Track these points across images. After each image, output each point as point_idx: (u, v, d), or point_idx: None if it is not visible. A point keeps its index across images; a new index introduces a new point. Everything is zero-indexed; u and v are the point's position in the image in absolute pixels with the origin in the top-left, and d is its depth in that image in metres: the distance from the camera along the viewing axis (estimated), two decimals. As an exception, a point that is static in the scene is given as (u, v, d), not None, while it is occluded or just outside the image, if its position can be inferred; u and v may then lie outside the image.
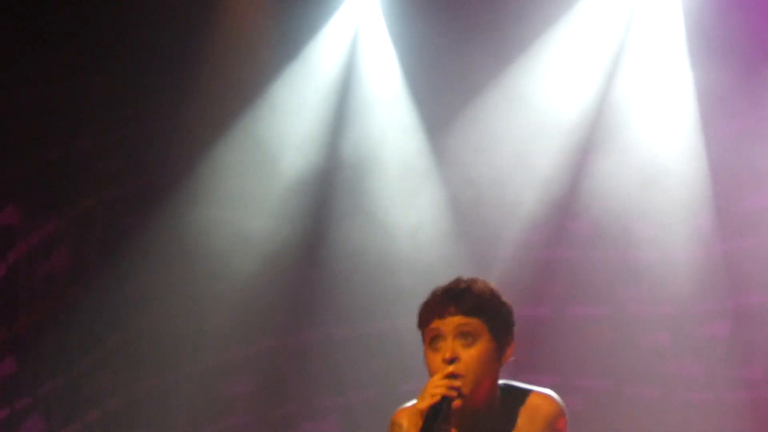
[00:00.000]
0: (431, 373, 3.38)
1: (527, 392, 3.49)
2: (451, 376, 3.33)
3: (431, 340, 3.39)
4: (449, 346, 3.36)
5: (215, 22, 7.47)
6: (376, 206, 7.53)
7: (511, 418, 3.44)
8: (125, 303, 7.33)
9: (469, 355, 3.36)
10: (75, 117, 7.24)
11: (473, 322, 3.38)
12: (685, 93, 7.25)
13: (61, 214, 7.21)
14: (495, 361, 3.41)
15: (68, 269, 7.22)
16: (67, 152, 7.25)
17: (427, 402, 3.28)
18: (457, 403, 3.30)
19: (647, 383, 7.26)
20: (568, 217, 7.36)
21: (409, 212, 7.50)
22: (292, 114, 7.55)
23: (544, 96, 7.39)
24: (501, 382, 3.49)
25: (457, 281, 3.45)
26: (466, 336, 3.37)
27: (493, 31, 7.35)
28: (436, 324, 3.38)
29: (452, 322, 3.37)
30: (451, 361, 3.35)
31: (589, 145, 7.37)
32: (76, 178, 7.26)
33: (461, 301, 3.39)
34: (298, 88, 7.56)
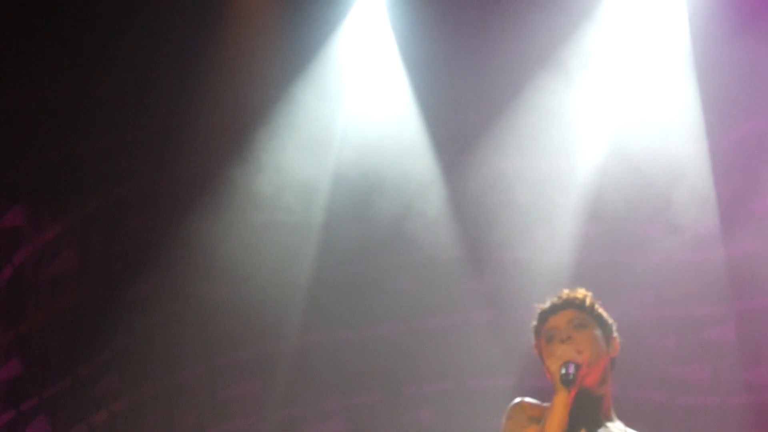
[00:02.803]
0: (549, 360, 3.86)
1: None
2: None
3: (549, 336, 3.93)
4: (563, 330, 3.90)
5: (224, 26, 7.48)
6: (379, 211, 7.54)
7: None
8: (131, 305, 7.33)
9: (582, 335, 3.90)
10: (81, 118, 7.24)
11: (581, 315, 3.94)
12: (690, 98, 7.25)
13: (67, 216, 7.22)
14: (604, 346, 3.95)
15: (74, 271, 7.22)
16: (73, 154, 7.25)
17: (557, 364, 3.78)
18: (583, 371, 3.80)
19: (652, 387, 7.25)
20: (573, 220, 7.36)
21: (413, 217, 7.51)
22: (299, 127, 7.57)
23: (555, 102, 7.41)
24: None
25: (563, 292, 4.02)
26: (577, 324, 3.91)
27: (507, 45, 7.37)
28: (552, 321, 3.94)
29: (565, 315, 3.93)
30: (568, 339, 3.87)
31: (594, 148, 7.38)
32: (81, 180, 7.27)
33: (570, 300, 3.98)
34: (307, 101, 7.59)
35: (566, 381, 3.74)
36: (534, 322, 4.00)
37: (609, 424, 3.98)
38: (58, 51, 7.09)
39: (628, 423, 7.22)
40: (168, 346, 7.37)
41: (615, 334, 4.01)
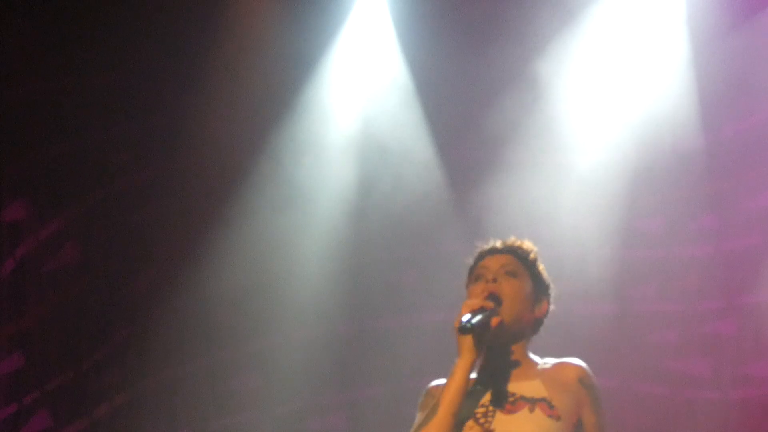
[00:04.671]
0: (464, 302, 3.63)
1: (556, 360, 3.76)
2: (491, 297, 3.62)
3: (477, 275, 3.73)
4: (493, 272, 3.70)
5: (226, 20, 7.48)
6: (381, 206, 7.55)
7: (540, 373, 3.69)
8: (132, 298, 7.34)
9: (510, 282, 3.68)
10: (83, 112, 7.25)
11: (517, 264, 3.74)
12: (691, 92, 7.25)
13: (69, 210, 7.22)
14: (531, 303, 3.74)
15: (76, 264, 7.23)
16: (75, 147, 7.26)
17: (467, 308, 3.54)
18: (496, 319, 3.57)
19: (654, 381, 7.25)
20: (574, 214, 7.36)
21: (415, 212, 7.52)
22: (301, 121, 7.58)
23: (555, 97, 7.42)
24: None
25: (509, 238, 3.84)
26: (509, 271, 3.70)
27: (508, 39, 7.37)
28: (486, 261, 3.74)
29: (500, 259, 3.74)
30: (493, 281, 3.66)
31: (594, 143, 7.39)
32: (83, 174, 7.27)
33: (512, 247, 3.79)
34: (311, 97, 7.60)
35: (462, 329, 3.51)
36: (470, 261, 3.83)
37: (526, 383, 3.65)
38: (60, 46, 7.10)
39: (629, 417, 7.23)
40: (169, 340, 7.38)
41: (549, 297, 3.81)
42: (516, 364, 3.68)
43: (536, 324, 3.78)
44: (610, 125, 7.38)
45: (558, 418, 3.56)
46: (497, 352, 3.67)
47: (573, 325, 7.25)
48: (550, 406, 3.57)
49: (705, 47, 7.20)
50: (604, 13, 7.39)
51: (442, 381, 3.71)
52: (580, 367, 3.69)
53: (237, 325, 7.53)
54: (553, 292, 3.84)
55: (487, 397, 3.63)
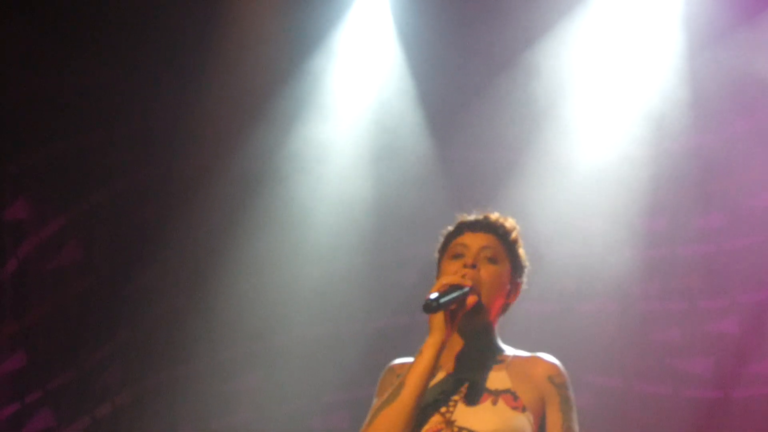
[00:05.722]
0: (438, 279, 3.50)
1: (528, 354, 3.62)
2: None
3: (455, 253, 3.57)
4: (473, 255, 3.53)
5: (225, 17, 7.48)
6: (382, 204, 7.54)
7: (508, 363, 3.54)
8: (134, 297, 7.34)
9: (489, 270, 3.52)
10: (85, 110, 7.25)
11: (499, 246, 3.58)
12: (692, 90, 7.25)
13: (71, 208, 7.22)
14: (506, 290, 3.58)
15: (78, 263, 7.23)
16: (77, 146, 7.26)
17: (439, 285, 3.39)
18: (472, 298, 3.43)
19: (657, 380, 7.25)
20: (577, 214, 7.35)
21: (417, 210, 7.51)
22: (302, 118, 7.58)
23: (553, 95, 7.42)
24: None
25: (492, 214, 3.68)
26: (489, 257, 3.55)
27: (509, 32, 7.38)
28: (466, 237, 3.58)
29: (481, 239, 3.58)
30: (473, 266, 3.49)
31: (595, 140, 7.38)
32: (86, 172, 7.27)
33: (496, 225, 3.62)
34: (310, 93, 7.59)
35: (426, 306, 3.33)
36: (450, 228, 3.69)
37: (491, 373, 3.52)
38: (61, 43, 7.10)
39: (632, 416, 7.22)
40: (171, 339, 7.38)
41: (523, 280, 3.64)
42: (483, 351, 3.55)
43: (506, 308, 3.63)
44: (613, 124, 7.38)
45: (523, 409, 3.43)
46: (465, 337, 3.54)
47: (576, 324, 7.26)
48: (515, 398, 3.45)
49: (708, 46, 7.21)
50: (604, 13, 7.40)
51: (405, 359, 3.60)
52: (551, 364, 3.54)
53: (239, 325, 7.52)
54: (527, 270, 3.69)
55: (450, 386, 3.50)
